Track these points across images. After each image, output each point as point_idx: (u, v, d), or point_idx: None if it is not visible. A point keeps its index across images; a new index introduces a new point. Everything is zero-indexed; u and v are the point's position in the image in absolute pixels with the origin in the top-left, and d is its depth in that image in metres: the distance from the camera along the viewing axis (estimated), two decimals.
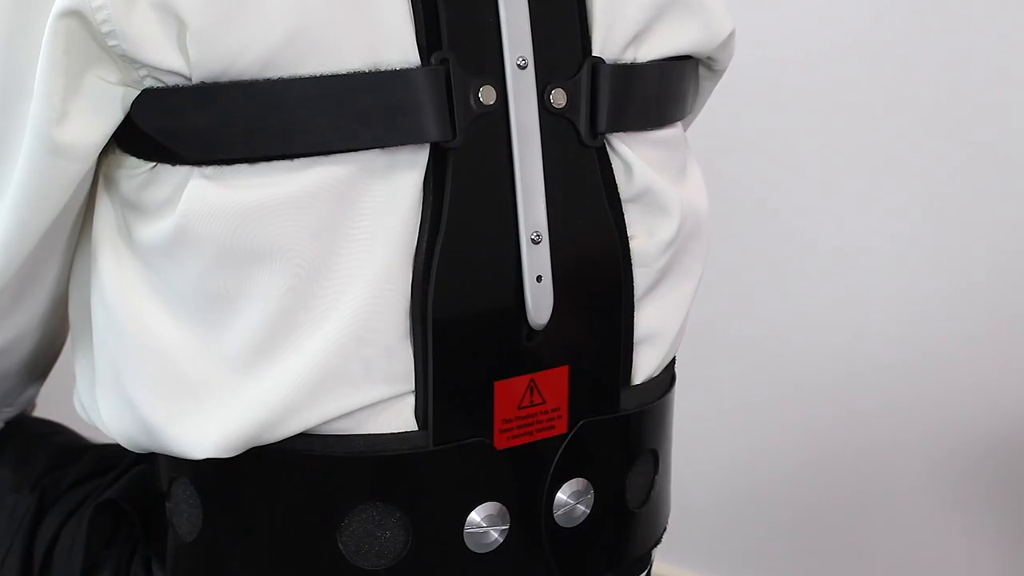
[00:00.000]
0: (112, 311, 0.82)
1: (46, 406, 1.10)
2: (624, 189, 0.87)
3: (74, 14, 0.74)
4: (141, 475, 0.94)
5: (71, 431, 1.07)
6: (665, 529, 0.99)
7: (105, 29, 0.74)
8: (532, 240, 0.82)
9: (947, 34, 1.80)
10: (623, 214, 0.87)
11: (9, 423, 1.03)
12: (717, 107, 1.17)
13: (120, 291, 0.81)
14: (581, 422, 0.87)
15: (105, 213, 0.83)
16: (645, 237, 0.89)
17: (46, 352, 0.97)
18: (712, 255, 1.00)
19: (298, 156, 0.77)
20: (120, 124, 0.79)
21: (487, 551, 0.84)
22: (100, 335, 0.84)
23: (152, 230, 0.80)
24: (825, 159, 1.93)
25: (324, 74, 0.76)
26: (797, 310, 2.00)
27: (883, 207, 1.90)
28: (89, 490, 0.96)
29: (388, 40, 0.78)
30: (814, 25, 1.89)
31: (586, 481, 0.88)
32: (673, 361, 0.97)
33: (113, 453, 0.98)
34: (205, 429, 0.80)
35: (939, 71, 1.82)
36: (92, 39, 0.75)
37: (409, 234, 0.79)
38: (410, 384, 0.81)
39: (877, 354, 1.94)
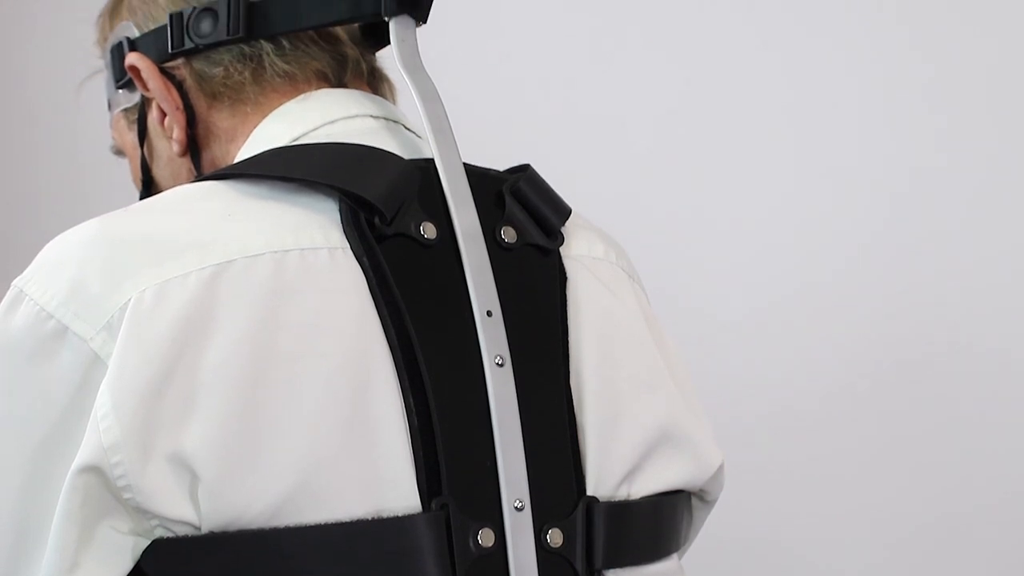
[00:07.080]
0: None
1: None
2: None
3: (92, 469, 0.77)
4: None
5: None
6: None
7: (121, 483, 0.77)
8: None
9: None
10: None
11: None
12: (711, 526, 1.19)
13: None
14: None
15: None
16: None
17: None
18: None
19: None
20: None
21: None
22: None
23: None
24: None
25: (329, 522, 0.79)
26: None
27: None
28: None
29: (390, 487, 0.81)
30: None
31: None
32: None
33: None
34: None
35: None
36: (108, 492, 0.78)
37: None
38: None
39: None
